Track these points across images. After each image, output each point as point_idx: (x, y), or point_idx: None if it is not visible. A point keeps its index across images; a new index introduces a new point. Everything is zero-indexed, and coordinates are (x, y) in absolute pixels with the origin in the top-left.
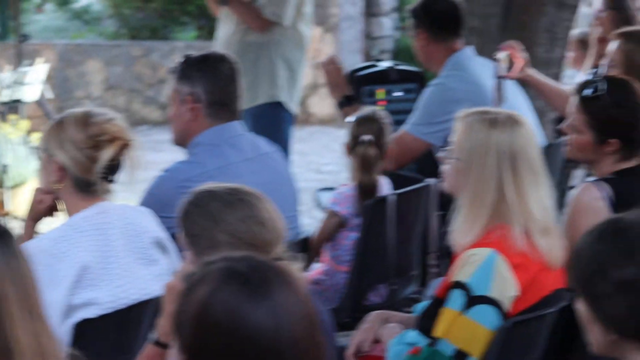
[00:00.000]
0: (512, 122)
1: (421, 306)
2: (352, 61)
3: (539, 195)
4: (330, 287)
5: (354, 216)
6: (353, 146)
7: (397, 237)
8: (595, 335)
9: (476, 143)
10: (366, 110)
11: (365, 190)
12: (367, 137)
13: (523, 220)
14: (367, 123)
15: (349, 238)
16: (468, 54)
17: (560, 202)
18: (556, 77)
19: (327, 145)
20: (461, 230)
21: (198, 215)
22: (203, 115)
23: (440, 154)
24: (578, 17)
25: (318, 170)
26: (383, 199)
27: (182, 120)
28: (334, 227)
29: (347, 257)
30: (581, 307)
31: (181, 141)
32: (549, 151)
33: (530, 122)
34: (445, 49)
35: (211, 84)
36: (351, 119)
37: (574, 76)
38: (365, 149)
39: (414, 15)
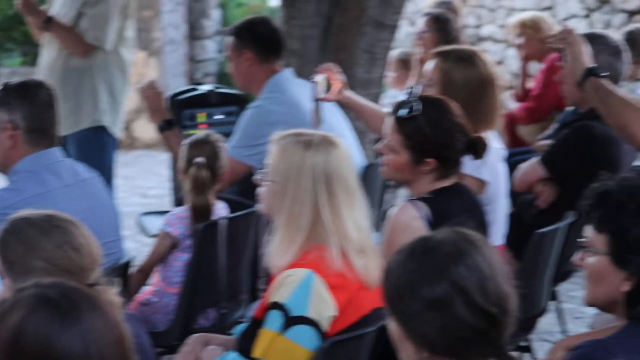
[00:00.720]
0: (326, 143)
1: (241, 328)
2: (176, 85)
3: (354, 215)
4: (161, 309)
5: (186, 237)
6: (186, 168)
7: (227, 260)
8: (407, 354)
9: (291, 165)
10: (200, 133)
11: (199, 212)
12: (199, 160)
13: (339, 240)
14: (200, 146)
15: (180, 259)
16: (287, 76)
17: (381, 222)
18: (376, 97)
19: (152, 169)
20: (278, 251)
21: (14, 243)
22: (22, 142)
23: (256, 177)
24: (400, 37)
25: (143, 195)
26: (214, 223)
27: (2, 147)
28: (166, 248)
29: (178, 278)
30: (393, 326)
31: (2, 168)
32: (369, 171)
33: (348, 143)
34: (267, 70)
35: (29, 111)
36: (186, 142)
37: (397, 96)
38: (198, 171)
39: (237, 36)
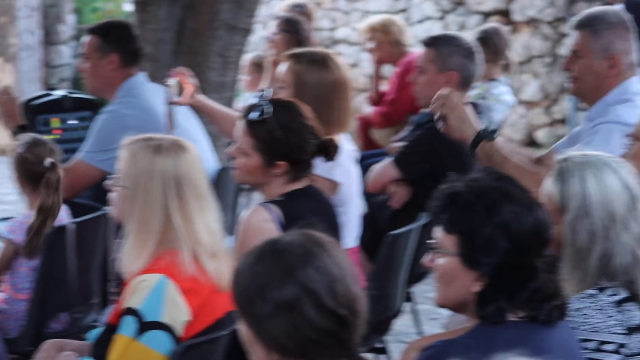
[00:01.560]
0: (176, 148)
1: (95, 333)
2: (32, 90)
3: (205, 219)
4: (12, 316)
5: None
6: (28, 171)
7: (77, 265)
8: (258, 356)
9: (141, 170)
10: (28, 136)
11: (46, 213)
12: (49, 160)
13: (191, 244)
14: (39, 147)
15: (25, 265)
16: (141, 80)
17: (235, 225)
18: (230, 100)
19: (8, 175)
20: (130, 257)
21: None
22: None
23: (107, 182)
24: (255, 40)
25: (0, 201)
26: (63, 227)
27: None
28: (10, 255)
29: (26, 284)
30: (243, 328)
31: None
32: (223, 175)
33: (201, 146)
34: (125, 74)
35: None
36: (18, 147)
37: (250, 99)
38: (50, 172)
39: (103, 38)
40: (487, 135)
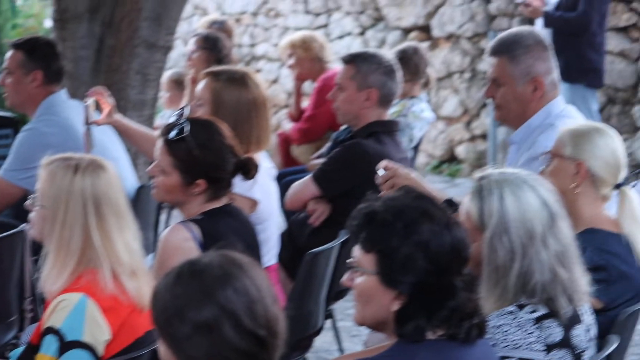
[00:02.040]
0: (94, 167)
1: (17, 352)
2: None
3: (125, 238)
4: None
5: None
6: None
7: None
8: None
9: (60, 190)
10: None
11: None
12: None
13: (110, 263)
14: None
15: None
16: (62, 98)
17: (156, 244)
18: (150, 118)
19: None
20: (50, 276)
21: None
22: None
23: (27, 202)
24: (176, 57)
25: None
26: None
27: None
28: None
29: None
30: (162, 348)
31: None
32: (143, 193)
33: (122, 165)
34: (47, 92)
35: None
36: None
37: (171, 116)
38: None
39: (29, 55)
40: (451, 205)
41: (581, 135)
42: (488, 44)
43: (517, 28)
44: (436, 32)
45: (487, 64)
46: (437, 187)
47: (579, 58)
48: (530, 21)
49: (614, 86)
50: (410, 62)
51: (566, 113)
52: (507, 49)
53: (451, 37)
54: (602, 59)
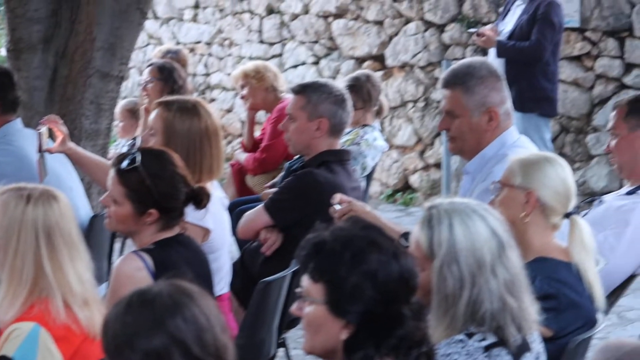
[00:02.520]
0: (47, 197)
1: None
2: None
3: (77, 268)
4: None
5: None
6: None
7: None
8: None
9: (12, 220)
10: None
11: None
12: None
13: (62, 293)
14: None
15: None
16: (17, 127)
17: (110, 273)
18: (104, 147)
19: None
20: (3, 306)
21: None
22: None
23: None
24: (130, 86)
25: None
26: None
27: None
28: None
29: None
30: None
31: None
32: (97, 222)
33: (75, 194)
34: (2, 121)
35: None
36: None
37: (125, 146)
38: None
39: None
40: (408, 238)
41: (531, 165)
42: (442, 73)
43: (469, 59)
44: (390, 61)
45: (440, 94)
46: (390, 216)
47: (532, 87)
48: (483, 51)
49: (567, 115)
50: (363, 89)
51: (520, 143)
52: (460, 81)
53: (405, 67)
54: (555, 88)
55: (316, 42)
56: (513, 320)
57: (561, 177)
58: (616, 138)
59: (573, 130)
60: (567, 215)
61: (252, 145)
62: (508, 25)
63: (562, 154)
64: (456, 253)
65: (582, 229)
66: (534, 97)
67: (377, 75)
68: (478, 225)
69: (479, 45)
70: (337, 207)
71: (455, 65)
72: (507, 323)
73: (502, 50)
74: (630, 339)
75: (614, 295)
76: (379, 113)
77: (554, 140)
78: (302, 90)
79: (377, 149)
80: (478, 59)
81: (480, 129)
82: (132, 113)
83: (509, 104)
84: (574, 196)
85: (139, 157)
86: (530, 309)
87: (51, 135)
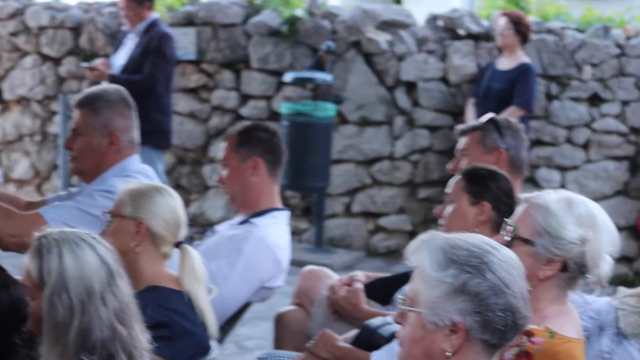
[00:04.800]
0: None
1: None
2: None
3: None
4: None
5: None
6: None
7: None
8: None
9: None
10: None
11: None
12: None
13: None
14: None
15: None
16: None
17: None
18: None
19: None
20: None
21: None
22: None
23: None
24: None
25: None
26: None
27: None
28: None
29: None
30: None
31: None
32: None
33: None
34: None
35: None
36: None
37: None
38: None
39: None
40: None
41: (140, 195)
42: (58, 106)
43: (104, 85)
44: (7, 95)
45: (56, 125)
46: None
47: (146, 120)
48: (98, 84)
49: (183, 146)
50: None
51: (143, 171)
52: (90, 102)
53: (22, 100)
54: (169, 120)
55: None
56: (123, 348)
57: (171, 206)
58: (227, 168)
59: (189, 162)
60: (178, 245)
61: None
62: (121, 58)
63: (179, 186)
64: (66, 281)
65: (193, 258)
66: (147, 130)
67: None
68: (87, 254)
69: (93, 80)
70: None
71: (91, 88)
72: (117, 351)
73: (115, 83)
74: None
75: (230, 323)
76: None
77: (170, 171)
78: None
79: None
80: (114, 86)
81: (100, 150)
82: None
83: (135, 134)
84: (183, 225)
85: None
86: (141, 337)
87: None
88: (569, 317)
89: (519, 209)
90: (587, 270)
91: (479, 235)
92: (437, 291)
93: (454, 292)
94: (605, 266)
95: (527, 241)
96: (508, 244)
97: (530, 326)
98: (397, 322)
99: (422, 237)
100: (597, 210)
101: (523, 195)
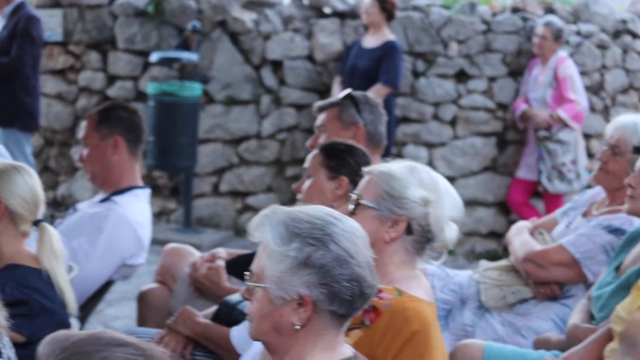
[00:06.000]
0: None
1: None
2: None
3: None
4: None
5: None
6: None
7: None
8: None
9: None
10: None
11: None
12: None
13: None
14: None
15: None
16: None
17: None
18: None
19: None
20: None
21: None
22: None
23: None
24: None
25: None
26: None
27: None
28: None
29: None
30: None
31: None
32: None
33: None
34: None
35: None
36: None
37: None
38: None
39: None
40: None
41: None
42: None
43: None
44: None
45: None
46: None
47: (13, 102)
48: None
49: (51, 128)
50: None
51: None
52: None
53: None
54: (36, 102)
55: None
56: None
57: (29, 185)
58: (88, 147)
59: (57, 144)
60: (36, 223)
61: None
62: None
63: (47, 168)
64: None
65: (52, 236)
66: (14, 112)
67: None
68: None
69: None
70: None
71: None
72: None
73: None
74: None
75: (92, 301)
76: None
77: (39, 153)
78: None
79: None
80: None
81: None
82: None
83: None
84: (42, 204)
85: None
86: None
87: None
88: (418, 281)
89: (364, 180)
90: (432, 236)
91: (322, 206)
92: (282, 265)
93: (299, 266)
94: (450, 231)
95: (370, 207)
96: (353, 213)
97: (379, 286)
98: (245, 298)
99: (264, 212)
100: (440, 178)
101: (367, 167)
